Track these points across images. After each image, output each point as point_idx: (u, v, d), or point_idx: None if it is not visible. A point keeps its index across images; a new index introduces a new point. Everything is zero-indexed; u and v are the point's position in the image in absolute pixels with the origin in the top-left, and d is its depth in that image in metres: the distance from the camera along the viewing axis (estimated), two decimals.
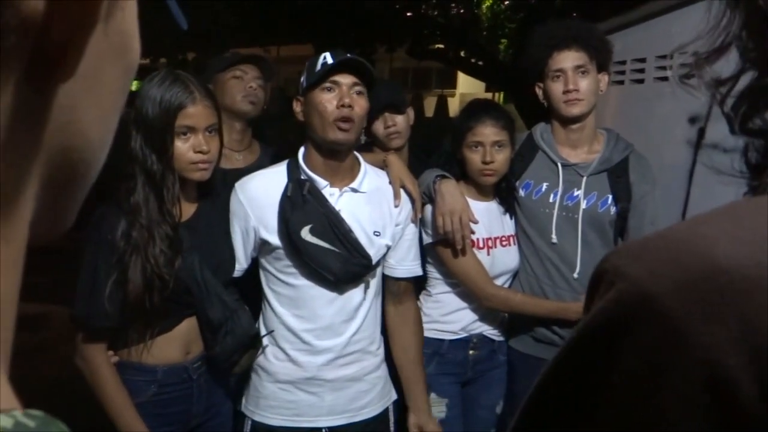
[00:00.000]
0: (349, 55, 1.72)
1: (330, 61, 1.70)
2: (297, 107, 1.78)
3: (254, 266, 1.85)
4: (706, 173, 2.37)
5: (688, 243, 0.42)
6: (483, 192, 2.09)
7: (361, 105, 1.71)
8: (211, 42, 7.98)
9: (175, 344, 1.70)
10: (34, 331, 3.98)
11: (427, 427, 1.89)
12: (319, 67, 1.70)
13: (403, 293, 1.91)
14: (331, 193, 1.76)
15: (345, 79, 1.70)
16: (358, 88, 1.71)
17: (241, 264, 1.81)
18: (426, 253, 2.08)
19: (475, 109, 2.06)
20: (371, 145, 2.28)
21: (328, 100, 1.68)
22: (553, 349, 2.14)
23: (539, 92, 2.09)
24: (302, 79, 1.76)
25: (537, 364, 2.06)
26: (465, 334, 2.09)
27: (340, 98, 1.68)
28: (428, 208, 2.02)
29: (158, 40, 10.19)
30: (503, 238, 2.10)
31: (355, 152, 1.84)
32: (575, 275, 2.00)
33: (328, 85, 1.69)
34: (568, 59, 1.98)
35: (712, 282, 0.38)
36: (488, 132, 1.98)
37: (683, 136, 2.49)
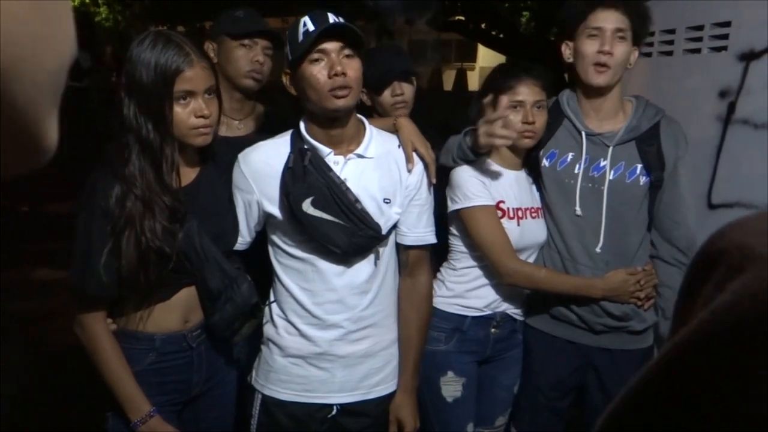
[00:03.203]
0: (330, 16, 1.59)
1: (311, 27, 1.57)
2: (287, 81, 1.67)
3: (261, 239, 1.77)
4: (734, 149, 2.26)
5: None
6: (513, 161, 1.99)
7: (353, 68, 1.60)
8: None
9: (174, 313, 1.65)
10: (47, 297, 3.98)
11: (405, 418, 1.79)
12: (301, 36, 1.58)
13: (413, 264, 1.80)
14: (335, 161, 1.67)
15: (331, 46, 1.58)
16: (346, 51, 1.59)
17: (244, 237, 1.74)
18: (451, 222, 1.99)
19: (514, 69, 1.96)
20: (371, 111, 2.14)
21: (318, 71, 1.58)
22: (570, 329, 2.05)
23: (566, 52, 1.96)
24: (286, 50, 1.64)
25: (553, 342, 2.00)
26: (489, 312, 2.00)
27: (330, 67, 1.57)
28: (456, 171, 1.91)
29: (176, 8, 10.14)
30: (532, 210, 2.00)
31: (361, 116, 1.74)
32: (598, 249, 1.92)
33: (315, 56, 1.58)
34: (609, 19, 1.87)
35: None
36: (530, 91, 1.89)
37: (712, 111, 2.38)
